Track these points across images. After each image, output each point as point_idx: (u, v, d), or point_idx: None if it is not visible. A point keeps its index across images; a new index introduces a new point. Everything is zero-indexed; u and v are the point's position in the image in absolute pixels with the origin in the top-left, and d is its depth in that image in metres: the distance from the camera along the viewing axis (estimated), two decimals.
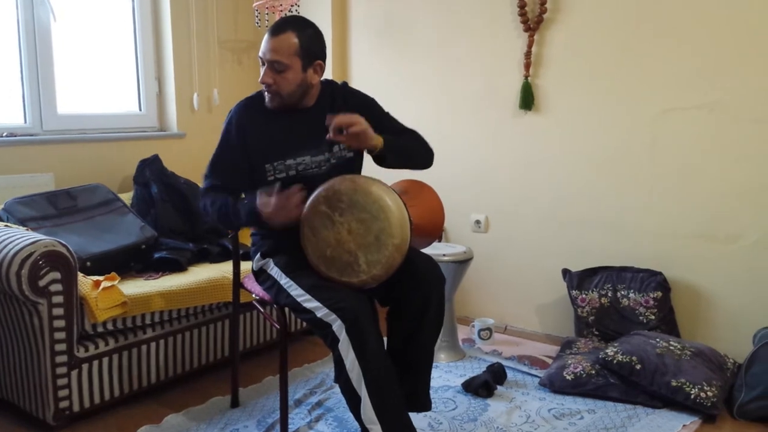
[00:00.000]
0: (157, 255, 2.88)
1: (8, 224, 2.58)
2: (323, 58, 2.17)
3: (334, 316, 1.93)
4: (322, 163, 2.20)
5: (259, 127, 2.20)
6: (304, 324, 2.92)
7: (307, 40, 2.10)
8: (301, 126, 2.20)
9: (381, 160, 2.16)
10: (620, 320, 2.95)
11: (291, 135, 2.19)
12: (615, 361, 2.59)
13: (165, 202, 3.22)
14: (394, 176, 2.52)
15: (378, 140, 2.09)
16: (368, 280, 2.02)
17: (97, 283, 2.41)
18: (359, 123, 2.03)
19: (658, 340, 2.67)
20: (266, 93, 2.17)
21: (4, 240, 2.25)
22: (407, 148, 2.25)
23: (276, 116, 2.20)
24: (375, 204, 1.99)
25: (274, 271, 2.19)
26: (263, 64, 2.13)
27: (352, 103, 2.24)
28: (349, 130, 2.02)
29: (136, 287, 2.56)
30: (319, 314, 1.97)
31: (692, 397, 2.45)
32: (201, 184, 2.31)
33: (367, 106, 2.27)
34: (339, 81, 2.35)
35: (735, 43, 2.73)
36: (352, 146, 2.14)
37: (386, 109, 2.34)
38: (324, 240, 2.03)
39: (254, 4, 3.73)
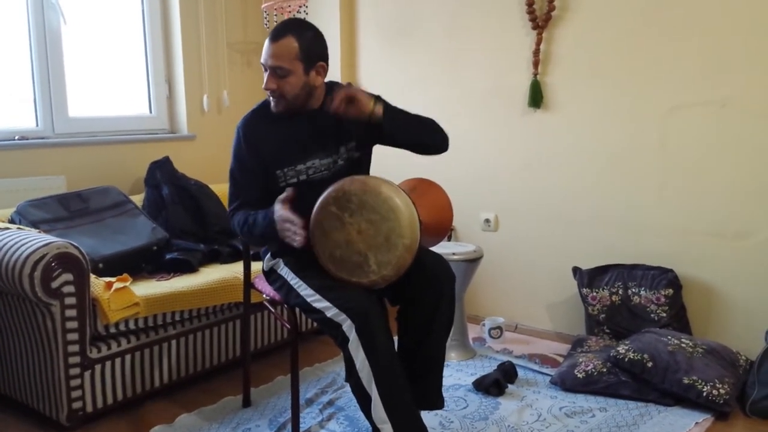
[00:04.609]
0: (168, 256, 2.89)
1: (21, 227, 2.60)
2: (325, 59, 2.16)
3: (344, 315, 1.94)
4: (330, 165, 2.21)
5: (267, 135, 2.20)
6: (315, 324, 2.92)
7: (307, 43, 2.09)
8: (308, 130, 2.20)
9: (387, 134, 2.13)
10: (631, 318, 2.94)
11: (299, 140, 2.19)
12: (626, 359, 2.58)
13: (176, 203, 3.24)
14: (402, 175, 2.52)
15: (374, 105, 2.06)
16: (378, 280, 2.02)
17: (109, 285, 2.42)
18: (347, 89, 2.04)
19: (669, 337, 2.66)
20: (271, 99, 2.17)
21: (17, 242, 2.28)
22: (413, 119, 2.18)
23: (282, 123, 2.19)
24: (385, 204, 1.99)
25: (284, 271, 2.20)
26: (266, 70, 2.12)
27: None
28: (339, 97, 2.02)
29: (147, 288, 2.58)
30: (329, 314, 1.97)
31: (704, 394, 2.44)
32: (226, 204, 2.30)
33: None
34: (344, 82, 2.34)
35: (746, 37, 2.71)
36: (352, 114, 2.07)
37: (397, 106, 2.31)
38: (334, 241, 2.03)
39: (263, 6, 3.74)
